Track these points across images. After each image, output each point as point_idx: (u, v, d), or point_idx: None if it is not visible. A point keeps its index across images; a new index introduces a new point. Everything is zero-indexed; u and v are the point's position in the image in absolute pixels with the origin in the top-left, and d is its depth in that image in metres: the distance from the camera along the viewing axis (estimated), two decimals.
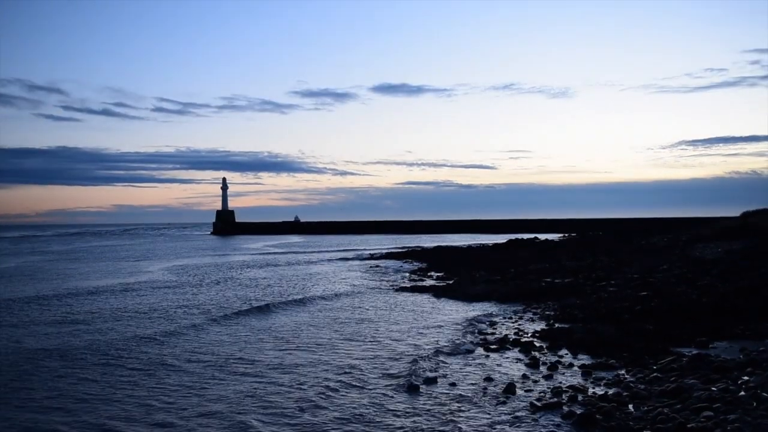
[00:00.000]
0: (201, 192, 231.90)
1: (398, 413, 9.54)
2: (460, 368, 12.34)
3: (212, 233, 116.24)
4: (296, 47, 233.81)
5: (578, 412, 9.02)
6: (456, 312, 19.92)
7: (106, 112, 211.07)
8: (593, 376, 11.31)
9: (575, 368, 12.02)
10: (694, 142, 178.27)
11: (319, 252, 56.66)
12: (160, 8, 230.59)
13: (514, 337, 15.30)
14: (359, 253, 53.85)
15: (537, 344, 14.33)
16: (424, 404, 9.97)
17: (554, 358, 12.89)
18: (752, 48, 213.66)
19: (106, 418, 9.49)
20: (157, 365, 12.91)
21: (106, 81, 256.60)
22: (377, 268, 37.82)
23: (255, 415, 9.50)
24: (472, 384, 11.10)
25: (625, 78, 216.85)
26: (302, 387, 11.04)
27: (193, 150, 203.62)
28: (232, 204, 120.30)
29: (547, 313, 18.94)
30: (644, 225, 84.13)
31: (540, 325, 16.96)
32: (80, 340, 15.62)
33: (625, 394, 9.83)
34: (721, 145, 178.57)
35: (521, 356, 13.27)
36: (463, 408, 9.70)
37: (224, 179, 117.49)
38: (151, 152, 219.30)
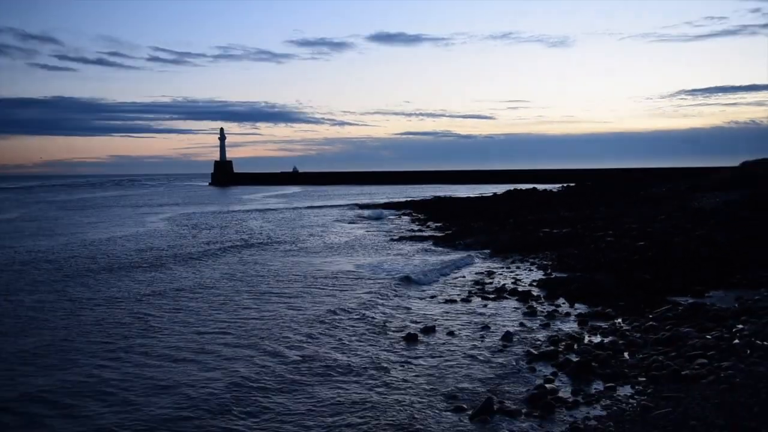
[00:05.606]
0: (199, 142, 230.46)
1: (397, 363, 9.67)
2: (458, 317, 12.49)
3: (210, 184, 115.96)
4: None
5: (574, 360, 9.17)
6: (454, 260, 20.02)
7: (101, 62, 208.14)
8: (589, 324, 11.45)
9: (572, 317, 12.17)
10: (693, 92, 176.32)
11: (317, 207, 56.50)
12: None
13: (511, 286, 15.44)
14: (358, 203, 53.80)
15: (534, 293, 14.47)
16: (422, 354, 10.10)
17: (551, 308, 13.03)
18: None
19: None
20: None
21: (101, 30, 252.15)
22: (378, 221, 37.89)
23: None
24: (470, 333, 11.25)
25: (624, 27, 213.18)
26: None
27: (190, 100, 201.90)
28: (230, 155, 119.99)
29: (545, 262, 19.07)
30: (643, 175, 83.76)
31: (538, 275, 17.09)
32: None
33: (620, 342, 9.97)
34: (720, 94, 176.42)
35: (519, 305, 13.42)
36: (460, 357, 9.85)
37: (222, 130, 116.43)
38: (148, 102, 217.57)
